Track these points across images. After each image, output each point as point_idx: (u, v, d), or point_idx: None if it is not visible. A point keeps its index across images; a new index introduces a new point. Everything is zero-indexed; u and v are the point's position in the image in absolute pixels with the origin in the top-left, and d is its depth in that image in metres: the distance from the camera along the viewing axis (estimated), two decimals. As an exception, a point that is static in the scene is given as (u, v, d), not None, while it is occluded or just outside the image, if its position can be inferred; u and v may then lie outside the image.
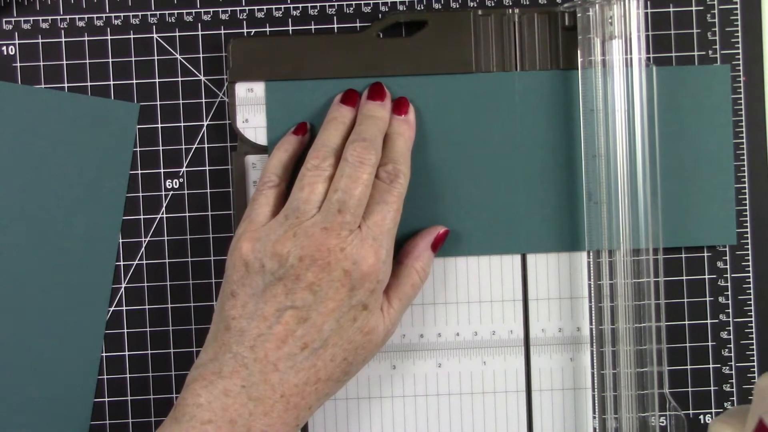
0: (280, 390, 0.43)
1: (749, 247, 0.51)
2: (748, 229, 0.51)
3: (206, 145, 0.51)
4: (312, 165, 0.46)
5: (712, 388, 0.52)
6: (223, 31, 0.51)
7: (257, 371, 0.43)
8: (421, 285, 0.48)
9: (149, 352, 0.51)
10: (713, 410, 0.52)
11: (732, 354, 0.52)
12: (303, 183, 0.45)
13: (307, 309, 0.43)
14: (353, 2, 0.51)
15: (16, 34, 0.51)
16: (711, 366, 0.52)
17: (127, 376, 0.51)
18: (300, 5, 0.51)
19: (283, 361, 0.43)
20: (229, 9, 0.51)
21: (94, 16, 0.51)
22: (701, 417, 0.52)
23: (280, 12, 0.51)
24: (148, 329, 0.51)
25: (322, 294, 0.43)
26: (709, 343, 0.52)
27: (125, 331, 0.51)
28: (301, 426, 0.45)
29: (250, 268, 0.44)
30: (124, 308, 0.51)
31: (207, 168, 0.51)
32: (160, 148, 0.51)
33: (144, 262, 0.51)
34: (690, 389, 0.52)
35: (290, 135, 0.49)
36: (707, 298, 0.52)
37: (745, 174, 0.51)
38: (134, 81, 0.51)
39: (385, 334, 0.46)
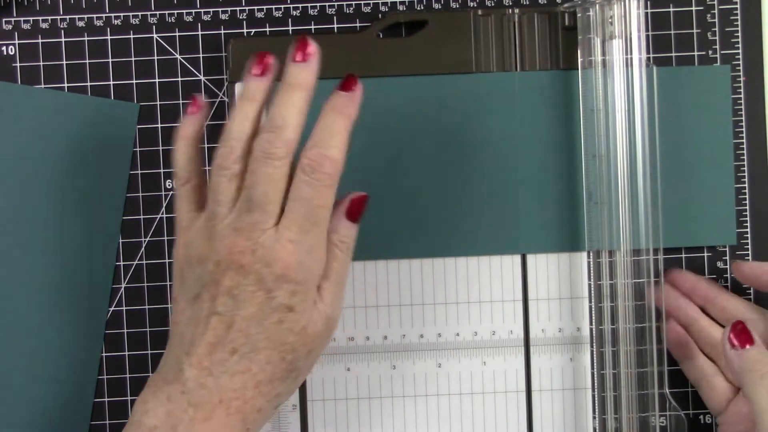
0: (218, 395, 0.42)
1: (749, 247, 0.51)
2: (748, 229, 0.51)
3: (206, 145, 0.51)
4: (216, 164, 0.42)
5: (712, 388, 0.52)
6: (223, 31, 0.51)
7: (193, 377, 0.42)
8: (346, 259, 0.44)
9: (149, 352, 0.51)
10: (713, 410, 0.52)
11: (732, 354, 0.52)
12: (211, 184, 0.43)
13: (230, 314, 0.42)
14: (353, 2, 0.51)
15: (16, 34, 0.51)
16: (711, 366, 0.52)
17: (127, 376, 0.51)
18: (300, 5, 0.51)
19: (216, 366, 0.42)
20: (229, 9, 0.51)
21: (94, 16, 0.51)
22: (701, 417, 0.52)
23: (280, 12, 0.51)
24: (148, 329, 0.51)
25: (242, 298, 0.42)
26: (709, 343, 0.52)
27: (125, 331, 0.51)
28: (255, 430, 0.43)
29: (184, 274, 0.43)
30: (124, 308, 0.51)
31: (207, 168, 0.51)
32: (160, 148, 0.51)
33: (144, 262, 0.51)
34: (690, 389, 0.52)
35: (188, 116, 0.45)
36: (707, 298, 0.52)
37: (745, 174, 0.51)
38: (134, 81, 0.51)
39: (325, 321, 0.43)
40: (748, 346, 0.44)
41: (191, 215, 0.44)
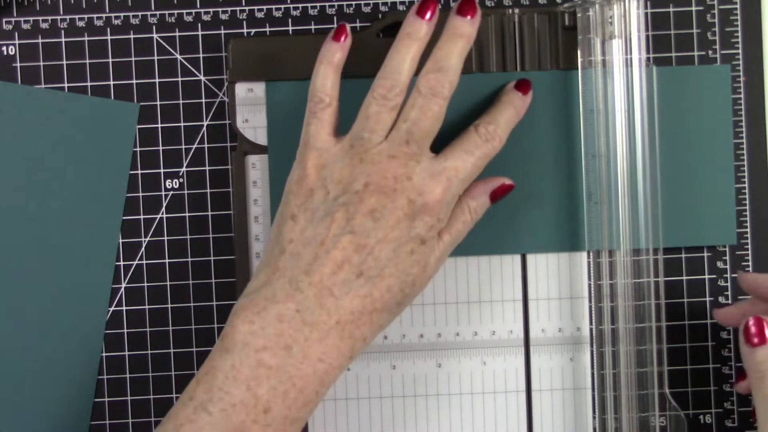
0: (336, 316, 0.42)
1: (749, 247, 0.51)
2: (748, 229, 0.51)
3: (206, 145, 0.51)
4: (378, 94, 0.44)
5: (712, 388, 0.52)
6: (223, 31, 0.51)
7: (312, 295, 0.42)
8: (471, 225, 0.47)
9: (149, 352, 0.51)
10: (713, 410, 0.52)
11: (732, 354, 0.52)
12: (369, 112, 0.44)
13: (365, 236, 0.42)
14: (353, 2, 0.51)
15: (16, 34, 0.51)
16: (711, 366, 0.52)
17: (127, 376, 0.51)
18: (300, 5, 0.51)
19: (338, 286, 0.42)
20: (229, 9, 0.51)
21: (94, 16, 0.51)
22: (701, 417, 0.52)
23: (280, 12, 0.51)
24: (148, 329, 0.51)
25: (383, 222, 0.43)
26: (709, 343, 0.52)
27: (125, 331, 0.51)
28: (354, 358, 0.44)
29: (315, 193, 0.44)
30: (124, 308, 0.51)
31: (207, 168, 0.51)
32: (160, 148, 0.51)
33: (144, 262, 0.51)
34: (690, 389, 0.52)
35: (330, 43, 0.46)
36: (707, 298, 0.52)
37: (745, 174, 0.51)
38: (134, 81, 0.51)
39: (435, 265, 0.45)
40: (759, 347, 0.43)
41: (329, 138, 0.45)
